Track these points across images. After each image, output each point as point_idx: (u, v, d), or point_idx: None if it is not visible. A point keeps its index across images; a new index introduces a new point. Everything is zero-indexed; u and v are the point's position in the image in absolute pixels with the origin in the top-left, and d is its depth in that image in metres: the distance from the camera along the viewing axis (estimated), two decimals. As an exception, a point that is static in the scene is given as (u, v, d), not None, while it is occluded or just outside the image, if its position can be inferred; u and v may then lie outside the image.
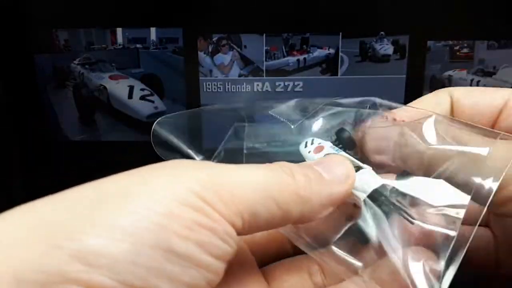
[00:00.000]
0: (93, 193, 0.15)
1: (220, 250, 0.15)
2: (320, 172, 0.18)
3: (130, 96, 0.54)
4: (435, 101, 0.23)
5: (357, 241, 0.20)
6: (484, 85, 0.52)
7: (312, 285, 0.21)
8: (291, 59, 0.53)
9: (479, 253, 0.23)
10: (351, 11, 0.50)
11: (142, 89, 0.53)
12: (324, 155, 0.21)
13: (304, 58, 0.52)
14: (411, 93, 0.52)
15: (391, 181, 0.19)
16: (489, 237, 0.24)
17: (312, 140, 0.22)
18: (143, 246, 0.14)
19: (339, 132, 0.23)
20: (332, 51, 0.52)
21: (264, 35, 0.52)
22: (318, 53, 0.52)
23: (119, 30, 0.52)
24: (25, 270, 0.13)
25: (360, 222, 0.19)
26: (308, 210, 0.17)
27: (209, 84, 0.53)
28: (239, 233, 0.16)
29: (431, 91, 0.24)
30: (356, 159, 0.20)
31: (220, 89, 0.53)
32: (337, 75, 0.52)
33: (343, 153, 0.21)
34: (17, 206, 0.14)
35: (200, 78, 0.53)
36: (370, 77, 0.52)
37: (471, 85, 0.52)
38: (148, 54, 0.52)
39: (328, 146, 0.21)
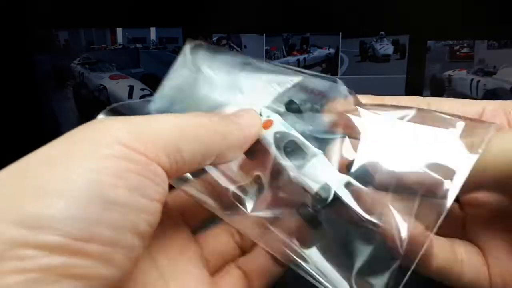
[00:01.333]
0: (25, 165, 0.16)
1: (153, 191, 0.16)
2: (232, 117, 0.20)
3: (130, 96, 0.54)
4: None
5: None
6: (484, 85, 0.52)
7: (233, 243, 0.24)
8: (291, 59, 0.53)
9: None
10: (351, 11, 0.50)
11: (142, 89, 0.53)
12: (274, 133, 0.21)
13: (304, 58, 0.52)
14: (411, 93, 0.51)
15: (343, 176, 0.20)
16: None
17: (260, 111, 0.22)
18: (79, 200, 0.15)
19: (289, 104, 0.23)
20: (332, 51, 0.52)
21: (264, 35, 0.52)
22: (318, 53, 0.52)
23: (119, 30, 0.52)
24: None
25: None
26: (226, 146, 0.19)
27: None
28: (169, 174, 0.17)
29: (431, 91, 0.22)
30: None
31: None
32: (337, 75, 0.52)
33: (294, 132, 0.21)
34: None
35: (200, 78, 0.53)
36: (370, 77, 0.52)
37: (471, 85, 0.52)
38: (148, 54, 0.52)
39: (277, 121, 0.22)
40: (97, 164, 0.15)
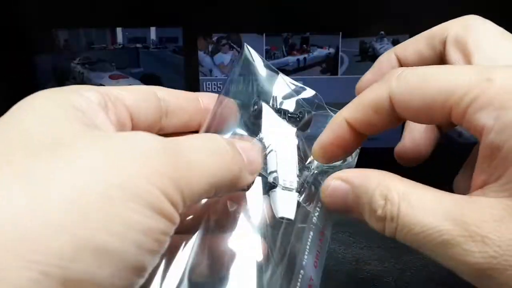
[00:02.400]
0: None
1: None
2: (243, 157, 0.22)
3: (130, 95, 0.53)
4: (374, 109, 0.22)
5: None
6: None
7: None
8: (291, 59, 0.53)
9: None
10: (351, 11, 0.50)
11: (142, 89, 0.53)
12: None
13: (304, 58, 0.52)
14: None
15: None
16: None
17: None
18: (121, 262, 0.15)
19: (303, 111, 0.28)
20: (332, 50, 0.52)
21: (264, 34, 0.52)
22: (318, 52, 0.52)
23: (119, 30, 0.52)
24: None
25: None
26: (228, 190, 0.21)
27: (209, 84, 0.53)
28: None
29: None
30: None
31: (220, 88, 0.53)
32: (337, 75, 0.52)
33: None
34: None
35: (200, 77, 0.53)
36: (370, 77, 0.52)
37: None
38: (148, 53, 0.52)
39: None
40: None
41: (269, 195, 0.24)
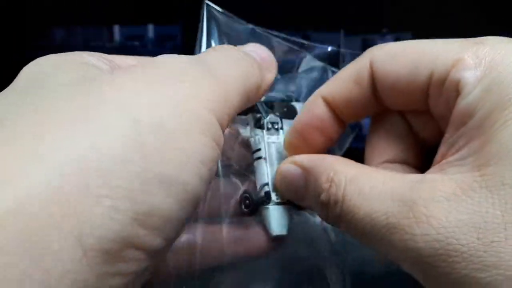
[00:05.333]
0: None
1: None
2: (258, 60, 0.21)
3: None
4: (354, 79, 0.20)
5: None
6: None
7: None
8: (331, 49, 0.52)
9: None
10: (353, 8, 0.50)
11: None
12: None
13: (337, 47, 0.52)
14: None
15: None
16: None
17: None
18: (176, 194, 0.14)
19: (289, 98, 0.25)
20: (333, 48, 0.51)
21: (264, 32, 0.51)
22: (320, 50, 0.51)
23: (116, 27, 0.51)
24: (89, 237, 0.12)
25: None
26: (257, 95, 0.21)
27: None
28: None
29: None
30: None
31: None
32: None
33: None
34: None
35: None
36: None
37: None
38: (146, 51, 0.52)
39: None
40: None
41: (260, 212, 0.22)
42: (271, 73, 0.22)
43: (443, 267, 0.14)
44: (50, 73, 0.16)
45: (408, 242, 0.15)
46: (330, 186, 0.18)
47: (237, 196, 0.23)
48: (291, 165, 0.21)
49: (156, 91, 0.15)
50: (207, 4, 0.25)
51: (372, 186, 0.17)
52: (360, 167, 0.19)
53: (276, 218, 0.22)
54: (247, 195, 0.22)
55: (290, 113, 0.24)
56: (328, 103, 0.21)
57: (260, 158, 0.22)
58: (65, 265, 0.11)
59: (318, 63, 0.27)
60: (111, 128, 0.13)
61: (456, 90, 0.17)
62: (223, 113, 0.17)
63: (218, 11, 0.26)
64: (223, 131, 0.17)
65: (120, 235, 0.13)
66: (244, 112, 0.23)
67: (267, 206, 0.22)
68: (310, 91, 0.24)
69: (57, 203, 0.12)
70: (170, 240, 0.15)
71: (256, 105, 0.23)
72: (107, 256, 0.12)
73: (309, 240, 0.24)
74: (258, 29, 0.26)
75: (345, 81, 0.20)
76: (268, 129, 0.23)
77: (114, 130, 0.13)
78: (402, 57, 0.18)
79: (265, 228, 0.22)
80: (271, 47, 0.25)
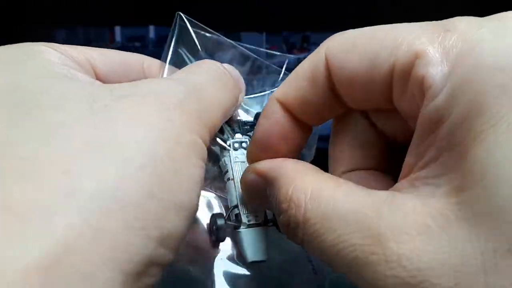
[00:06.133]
0: None
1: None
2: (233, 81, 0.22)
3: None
4: (308, 76, 0.18)
5: None
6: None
7: None
8: (291, 58, 0.52)
9: None
10: (351, 9, 0.50)
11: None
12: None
13: (305, 57, 0.52)
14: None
15: None
16: None
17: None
18: (185, 215, 0.16)
19: (258, 116, 0.24)
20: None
21: (264, 33, 0.51)
22: (319, 51, 0.52)
23: (117, 28, 0.51)
24: (129, 263, 0.13)
25: None
26: (230, 113, 0.21)
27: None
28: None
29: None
30: None
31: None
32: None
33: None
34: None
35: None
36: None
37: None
38: (147, 52, 0.52)
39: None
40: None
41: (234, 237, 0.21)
42: (242, 92, 0.23)
43: None
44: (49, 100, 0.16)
45: (378, 282, 0.13)
46: (289, 206, 0.16)
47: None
48: (253, 175, 0.19)
49: (162, 122, 0.16)
50: (179, 15, 0.27)
51: (335, 206, 0.15)
52: (321, 179, 0.16)
53: (250, 243, 0.21)
54: (213, 220, 0.21)
55: None
56: (285, 107, 0.18)
57: (229, 179, 0.22)
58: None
59: (280, 71, 0.27)
60: (133, 163, 0.14)
61: (420, 89, 0.14)
62: (207, 136, 0.18)
63: (190, 21, 0.27)
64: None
65: (150, 257, 0.14)
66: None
67: (239, 230, 0.21)
68: None
69: (101, 238, 0.13)
70: (177, 253, 0.16)
71: (222, 127, 0.23)
72: (137, 275, 0.14)
73: (288, 261, 0.22)
74: (226, 40, 0.27)
75: (300, 80, 0.18)
76: (235, 149, 0.22)
77: (135, 164, 0.14)
78: (359, 48, 0.16)
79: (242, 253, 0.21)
80: (235, 57, 0.27)
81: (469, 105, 0.13)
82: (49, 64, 0.17)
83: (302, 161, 0.18)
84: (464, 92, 0.13)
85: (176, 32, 0.26)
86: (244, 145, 0.23)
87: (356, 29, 0.17)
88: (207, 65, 0.21)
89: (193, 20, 0.26)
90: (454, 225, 0.12)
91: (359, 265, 0.13)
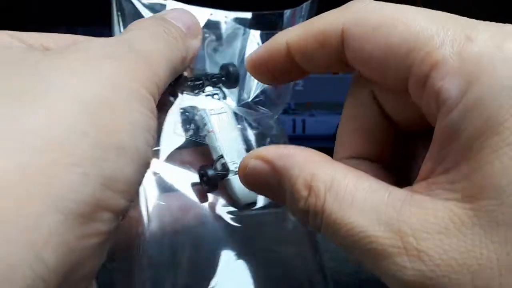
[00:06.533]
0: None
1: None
2: (182, 29, 0.21)
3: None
4: (319, 40, 0.18)
5: None
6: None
7: None
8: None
9: None
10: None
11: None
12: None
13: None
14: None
15: None
16: None
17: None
18: (132, 157, 0.16)
19: (225, 66, 0.25)
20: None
21: (259, 32, 0.51)
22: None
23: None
24: (67, 201, 0.13)
25: None
26: (183, 65, 0.21)
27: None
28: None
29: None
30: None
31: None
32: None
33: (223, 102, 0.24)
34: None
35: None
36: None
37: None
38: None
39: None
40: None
41: (224, 185, 0.22)
42: (196, 39, 0.22)
43: None
44: None
45: (397, 272, 0.14)
46: (309, 195, 0.16)
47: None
48: (257, 162, 0.18)
49: (92, 70, 0.16)
50: None
51: (354, 200, 0.15)
52: (338, 169, 0.17)
53: (240, 187, 0.21)
54: (202, 172, 0.22)
55: (230, 81, 0.24)
56: (290, 50, 0.19)
57: (208, 132, 0.22)
58: (50, 228, 0.12)
59: (239, 27, 0.27)
60: (63, 105, 0.14)
61: (436, 100, 0.15)
62: (152, 86, 0.18)
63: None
64: (155, 103, 0.18)
65: (93, 198, 0.14)
66: (176, 90, 0.23)
67: (227, 178, 0.22)
68: (243, 57, 0.25)
69: (30, 175, 0.12)
70: (131, 201, 0.16)
71: (188, 82, 0.23)
72: (83, 218, 0.13)
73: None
74: (173, 2, 0.25)
75: (311, 39, 0.18)
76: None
77: (66, 107, 0.14)
78: (380, 36, 0.16)
79: (234, 200, 0.22)
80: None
81: (486, 123, 0.13)
82: None
83: (312, 149, 0.18)
84: (480, 111, 0.14)
85: (115, 14, 0.27)
86: (216, 97, 0.23)
87: (379, 4, 0.17)
88: (141, 23, 0.21)
89: None
90: (470, 229, 0.13)
91: (378, 255, 0.14)
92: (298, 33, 0.19)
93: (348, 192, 0.16)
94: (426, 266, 0.14)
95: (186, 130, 0.23)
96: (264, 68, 0.21)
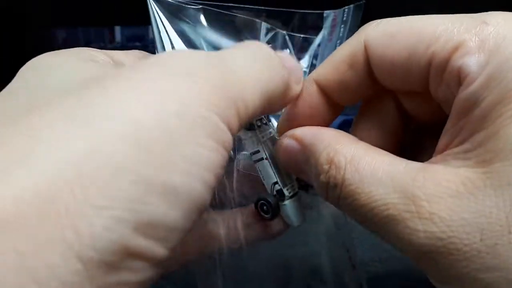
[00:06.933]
0: None
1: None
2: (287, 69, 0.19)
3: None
4: (348, 62, 0.19)
5: None
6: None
7: None
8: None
9: None
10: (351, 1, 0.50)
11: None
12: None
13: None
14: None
15: None
16: None
17: None
18: (181, 203, 0.13)
19: None
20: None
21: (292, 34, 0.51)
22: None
23: (117, 28, 0.51)
24: (89, 249, 0.11)
25: None
26: (280, 103, 0.19)
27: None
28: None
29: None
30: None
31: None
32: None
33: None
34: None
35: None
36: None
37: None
38: (147, 52, 0.51)
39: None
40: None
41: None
42: (298, 85, 0.20)
43: (443, 263, 0.14)
44: (45, 73, 0.16)
45: (410, 236, 0.15)
46: (330, 168, 0.17)
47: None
48: (291, 140, 0.20)
49: (159, 89, 0.13)
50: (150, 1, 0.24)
51: (373, 171, 0.16)
52: (360, 145, 0.17)
53: (294, 212, 0.22)
54: (263, 201, 0.22)
55: None
56: (321, 86, 0.20)
57: (261, 159, 0.22)
58: (63, 278, 0.11)
59: (278, 31, 0.26)
60: (111, 130, 0.12)
61: (457, 77, 0.15)
62: (231, 114, 0.15)
63: (164, 2, 0.24)
64: (234, 135, 0.15)
65: (121, 246, 0.12)
66: None
67: (283, 203, 0.22)
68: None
69: (51, 212, 0.11)
70: (175, 247, 0.14)
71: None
72: (108, 267, 0.12)
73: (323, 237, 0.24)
74: (209, 8, 0.24)
75: (339, 64, 0.19)
76: (258, 126, 0.22)
77: (113, 132, 0.12)
78: (399, 39, 0.17)
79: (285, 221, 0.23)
80: (230, 22, 0.24)
81: (503, 92, 0.14)
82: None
83: (340, 130, 0.19)
84: (499, 80, 0.14)
85: (158, 21, 0.24)
86: (263, 121, 0.23)
87: (393, 19, 0.18)
88: (247, 43, 0.18)
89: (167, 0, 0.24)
90: (482, 192, 0.14)
91: (392, 220, 0.15)
92: (324, 66, 0.20)
93: (368, 164, 0.16)
94: (437, 227, 0.14)
95: (231, 160, 0.23)
96: (300, 121, 0.20)
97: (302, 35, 0.26)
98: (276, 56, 0.18)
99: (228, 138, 0.15)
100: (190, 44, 0.25)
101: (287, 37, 0.26)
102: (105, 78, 0.14)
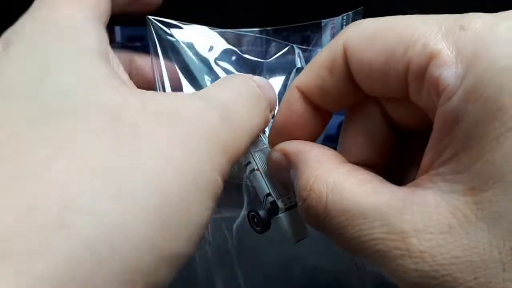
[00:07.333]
0: None
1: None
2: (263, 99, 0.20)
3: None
4: (327, 66, 0.18)
5: None
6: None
7: None
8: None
9: None
10: (351, 8, 0.50)
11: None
12: None
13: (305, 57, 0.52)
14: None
15: None
16: None
17: None
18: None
19: None
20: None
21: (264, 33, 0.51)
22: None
23: (117, 28, 0.51)
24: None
25: None
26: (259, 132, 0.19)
27: (208, 82, 0.53)
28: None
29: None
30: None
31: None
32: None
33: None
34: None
35: (199, 76, 0.52)
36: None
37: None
38: (146, 52, 0.51)
39: None
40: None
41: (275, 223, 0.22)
42: (271, 114, 0.21)
43: None
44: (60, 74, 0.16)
45: (403, 274, 0.14)
46: (309, 196, 0.16)
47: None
48: (279, 154, 0.19)
49: (178, 156, 0.14)
50: (150, 19, 0.25)
51: (357, 203, 0.15)
52: (342, 169, 0.17)
53: (291, 224, 0.21)
54: (253, 213, 0.21)
55: None
56: (303, 93, 0.19)
57: (253, 170, 0.22)
58: None
59: (284, 45, 0.26)
60: (136, 202, 0.12)
61: (436, 90, 0.15)
62: (227, 166, 0.16)
63: (163, 22, 0.25)
64: (222, 182, 0.16)
65: None
66: None
67: (277, 216, 0.21)
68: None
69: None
70: None
71: None
72: None
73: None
74: (210, 29, 0.25)
75: (318, 68, 0.18)
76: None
77: (139, 204, 0.12)
78: (377, 41, 0.16)
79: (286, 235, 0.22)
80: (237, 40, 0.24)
81: (485, 107, 0.13)
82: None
83: (328, 148, 0.18)
84: (479, 94, 0.13)
85: (155, 40, 0.26)
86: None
87: (373, 19, 0.17)
88: (238, 81, 0.19)
89: (165, 21, 0.26)
90: (474, 226, 0.13)
91: (383, 256, 0.14)
92: (305, 71, 0.19)
93: (351, 194, 0.15)
94: (429, 266, 0.14)
95: None
96: (288, 131, 0.20)
97: (309, 48, 0.26)
98: (260, 93, 0.19)
99: (221, 188, 0.15)
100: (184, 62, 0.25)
101: (300, 53, 0.26)
102: (122, 119, 0.14)
